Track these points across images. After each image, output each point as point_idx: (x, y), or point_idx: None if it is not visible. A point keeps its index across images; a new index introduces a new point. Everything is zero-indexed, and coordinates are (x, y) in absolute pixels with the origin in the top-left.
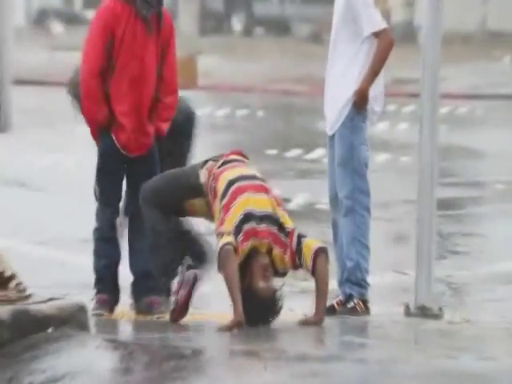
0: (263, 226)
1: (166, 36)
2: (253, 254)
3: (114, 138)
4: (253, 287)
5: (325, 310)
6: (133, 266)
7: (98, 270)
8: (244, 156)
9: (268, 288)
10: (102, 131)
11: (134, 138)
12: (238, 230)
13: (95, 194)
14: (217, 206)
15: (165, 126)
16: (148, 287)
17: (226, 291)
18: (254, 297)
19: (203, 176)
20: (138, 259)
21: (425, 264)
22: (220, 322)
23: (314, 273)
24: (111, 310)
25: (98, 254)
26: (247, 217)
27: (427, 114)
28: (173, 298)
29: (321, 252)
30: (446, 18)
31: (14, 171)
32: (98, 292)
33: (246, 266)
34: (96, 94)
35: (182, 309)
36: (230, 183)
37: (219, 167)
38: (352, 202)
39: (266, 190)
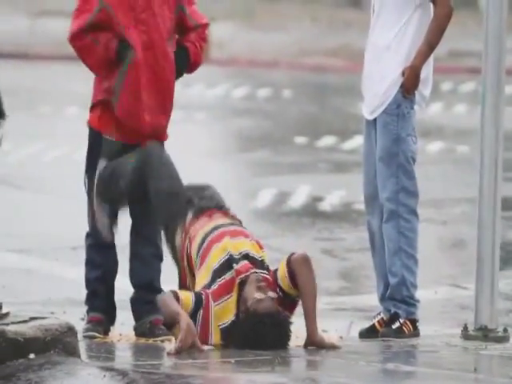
0: (243, 263)
1: None
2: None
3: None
4: (250, 302)
5: (316, 329)
6: (134, 277)
7: (90, 283)
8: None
9: (266, 298)
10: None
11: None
12: (215, 274)
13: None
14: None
15: (201, 55)
16: (151, 303)
17: None
18: (254, 313)
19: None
20: (140, 268)
21: (487, 276)
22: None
23: (297, 287)
24: (106, 331)
25: (90, 263)
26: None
27: (490, 93)
28: None
29: (294, 260)
30: None
31: None
32: (91, 310)
33: (239, 300)
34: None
35: None
36: (206, 236)
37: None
38: (396, 204)
39: (246, 235)
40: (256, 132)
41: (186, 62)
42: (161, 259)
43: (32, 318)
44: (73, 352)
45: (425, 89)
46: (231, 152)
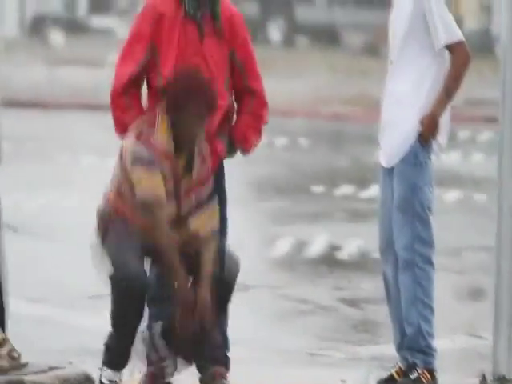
0: None
1: (231, 40)
2: None
3: None
4: None
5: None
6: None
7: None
8: None
9: None
10: None
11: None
12: None
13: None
14: None
15: (255, 140)
16: (216, 357)
17: None
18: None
19: None
20: None
21: (504, 325)
22: None
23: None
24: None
25: (149, 316)
26: None
27: (508, 142)
28: None
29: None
30: None
31: (4, 213)
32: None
33: None
34: (120, 107)
35: None
36: None
37: None
38: (411, 254)
39: None
40: (273, 180)
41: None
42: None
43: (50, 368)
44: None
45: (441, 138)
46: (249, 200)
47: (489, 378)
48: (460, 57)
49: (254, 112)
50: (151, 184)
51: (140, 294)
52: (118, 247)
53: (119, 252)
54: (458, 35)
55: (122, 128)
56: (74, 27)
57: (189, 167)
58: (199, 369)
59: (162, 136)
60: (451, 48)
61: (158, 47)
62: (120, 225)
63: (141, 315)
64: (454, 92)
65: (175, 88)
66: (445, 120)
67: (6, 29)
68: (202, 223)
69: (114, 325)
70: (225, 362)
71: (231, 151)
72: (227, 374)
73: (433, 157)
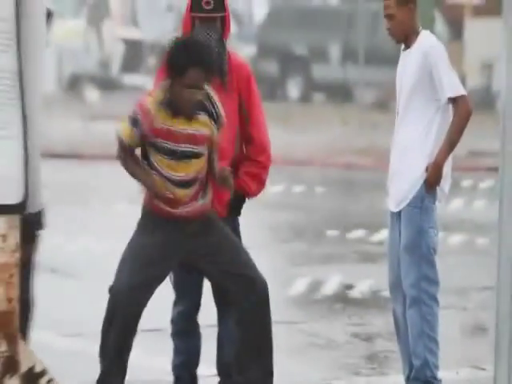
0: None
1: (239, 91)
2: None
3: None
4: None
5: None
6: (219, 361)
7: (174, 368)
8: None
9: None
10: None
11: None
12: None
13: (171, 281)
14: None
15: (253, 185)
16: None
17: None
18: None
19: None
20: (224, 352)
21: (504, 358)
22: None
23: None
24: None
25: (174, 350)
26: None
27: (508, 190)
28: None
29: None
30: None
31: (44, 255)
32: None
33: None
34: None
35: None
36: None
37: None
38: (418, 291)
39: None
40: (291, 225)
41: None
42: None
43: None
44: None
45: (445, 185)
46: (268, 243)
47: None
48: (462, 110)
49: (251, 158)
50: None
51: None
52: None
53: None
54: (461, 90)
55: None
56: (107, 84)
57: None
58: None
59: (150, 99)
60: (455, 101)
61: None
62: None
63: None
64: (457, 142)
65: (174, 52)
66: (448, 169)
67: (45, 85)
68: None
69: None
70: None
71: (236, 199)
72: None
73: (438, 203)
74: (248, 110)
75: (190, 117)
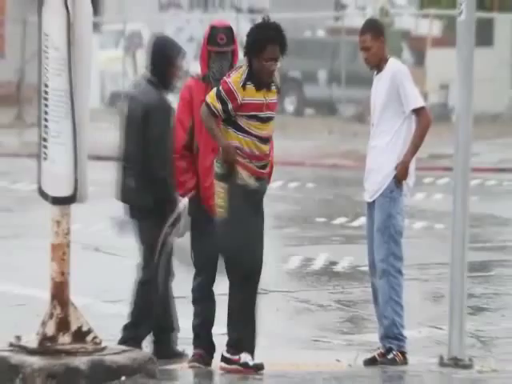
0: None
1: None
2: None
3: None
4: None
5: None
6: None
7: (194, 328)
8: None
9: None
10: (192, 203)
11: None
12: None
13: (192, 258)
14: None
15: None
16: None
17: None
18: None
19: None
20: None
21: (457, 320)
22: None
23: None
24: (206, 363)
25: (194, 313)
26: None
27: (459, 185)
28: None
29: None
30: (477, 100)
31: (90, 237)
32: (195, 347)
33: None
34: (179, 169)
35: None
36: None
37: None
38: (387, 265)
39: None
40: (287, 214)
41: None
42: None
43: (123, 351)
44: (153, 376)
45: (410, 181)
46: (268, 228)
47: (445, 358)
48: (424, 120)
49: None
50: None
51: None
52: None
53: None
54: (421, 103)
55: (181, 188)
56: None
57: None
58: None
59: (233, 78)
60: (417, 112)
61: (194, 118)
62: None
63: None
64: (420, 146)
65: (254, 33)
66: (413, 169)
67: (91, 102)
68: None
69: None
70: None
71: None
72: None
73: (404, 195)
74: None
75: (268, 87)
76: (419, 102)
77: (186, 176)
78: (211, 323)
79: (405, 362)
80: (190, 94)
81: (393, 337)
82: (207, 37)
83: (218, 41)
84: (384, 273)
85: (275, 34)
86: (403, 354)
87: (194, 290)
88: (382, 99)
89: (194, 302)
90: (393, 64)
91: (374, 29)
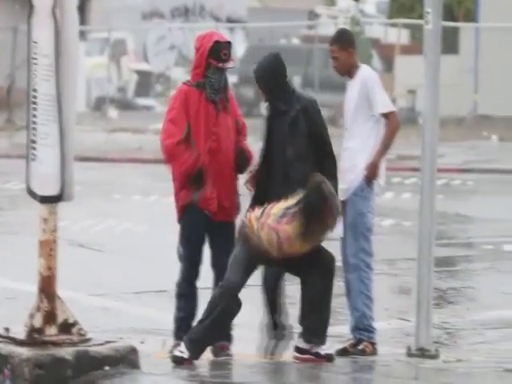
0: None
1: (235, 113)
2: None
3: (200, 206)
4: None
5: None
6: None
7: (176, 321)
8: None
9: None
10: (187, 200)
11: (218, 204)
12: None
13: (178, 253)
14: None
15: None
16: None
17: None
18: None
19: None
20: None
21: (424, 312)
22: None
23: None
24: None
25: (177, 306)
26: None
27: (426, 185)
28: None
29: None
30: (442, 105)
31: (76, 234)
32: (177, 339)
33: None
34: (180, 153)
35: None
36: None
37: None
38: (357, 260)
39: None
40: None
41: (246, 161)
42: None
43: (107, 342)
44: (135, 366)
45: (380, 179)
46: None
47: (413, 348)
48: (392, 123)
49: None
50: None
51: None
52: None
53: None
54: (390, 107)
55: (186, 166)
56: (124, 105)
57: None
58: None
59: (290, 229)
60: (386, 116)
61: (190, 122)
62: None
63: None
64: (389, 147)
65: (312, 208)
66: (383, 169)
67: (78, 106)
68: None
69: None
70: (228, 338)
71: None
72: (230, 347)
73: (375, 194)
74: (242, 126)
75: None
76: (388, 107)
77: (187, 153)
78: (193, 317)
79: (374, 352)
80: (186, 97)
81: (363, 328)
82: (209, 50)
83: (221, 56)
84: (355, 267)
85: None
86: (373, 344)
87: (178, 285)
88: (354, 104)
89: (178, 296)
90: (363, 71)
91: (341, 40)
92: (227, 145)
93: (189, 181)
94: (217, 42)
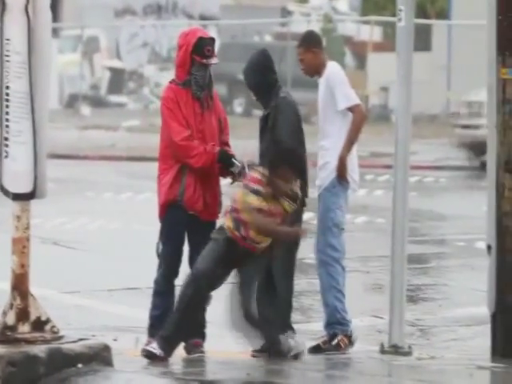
0: None
1: (218, 111)
2: None
3: (184, 204)
4: None
5: None
6: None
7: (151, 318)
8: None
9: None
10: (171, 198)
11: (203, 202)
12: None
13: (157, 250)
14: None
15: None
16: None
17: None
18: None
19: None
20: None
21: (397, 309)
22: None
23: None
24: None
25: (153, 304)
26: None
27: (399, 182)
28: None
29: None
30: (415, 102)
31: (49, 231)
32: (150, 336)
33: None
34: (196, 147)
35: None
36: None
37: None
38: (325, 255)
39: None
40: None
41: (228, 162)
42: None
43: (80, 339)
44: (108, 363)
45: (354, 175)
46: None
47: (386, 346)
48: (357, 116)
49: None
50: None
51: None
52: None
53: None
54: (354, 100)
55: (201, 157)
56: (97, 102)
57: None
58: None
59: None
60: (351, 110)
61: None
62: None
63: None
64: (355, 140)
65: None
66: (355, 164)
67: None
68: None
69: None
70: (202, 335)
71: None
72: (203, 344)
73: (352, 189)
74: (225, 123)
75: None
76: (350, 101)
77: (198, 145)
78: (168, 315)
79: (351, 344)
80: (176, 96)
81: (336, 322)
82: (193, 46)
83: (205, 52)
84: (323, 263)
85: None
86: (348, 337)
87: (156, 282)
88: (323, 101)
89: (155, 293)
90: (329, 68)
91: (305, 42)
92: (212, 142)
93: (219, 166)
94: (200, 38)
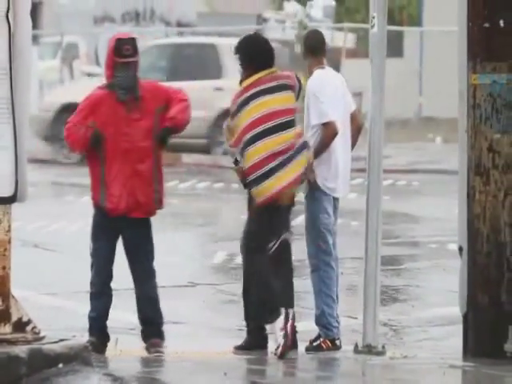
0: None
1: (151, 109)
2: None
3: (107, 208)
4: None
5: None
6: (140, 314)
7: (89, 319)
8: None
9: None
10: (95, 200)
11: (133, 200)
12: None
13: (90, 250)
14: None
15: (178, 113)
16: (154, 332)
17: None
18: None
19: None
20: (142, 307)
21: (371, 310)
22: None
23: None
24: (99, 351)
25: (91, 305)
26: None
27: (373, 185)
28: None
29: None
30: (388, 107)
31: (28, 234)
32: (90, 335)
33: None
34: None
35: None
36: None
37: None
38: (317, 260)
39: None
40: (214, 212)
41: (167, 139)
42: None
43: (60, 340)
44: (88, 363)
45: (329, 183)
46: (195, 226)
47: (360, 345)
48: (327, 132)
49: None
50: None
51: None
52: None
53: None
54: (325, 118)
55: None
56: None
57: None
58: (143, 339)
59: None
60: (323, 125)
61: (99, 125)
62: None
63: None
64: (320, 153)
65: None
66: (332, 174)
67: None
68: None
69: None
70: (160, 335)
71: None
72: (162, 344)
73: (330, 193)
74: (169, 102)
75: None
76: (322, 118)
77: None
78: (106, 317)
79: (333, 347)
80: (96, 101)
81: (322, 325)
82: (113, 48)
83: (124, 51)
84: (314, 267)
85: None
86: (332, 341)
87: (91, 283)
88: (305, 112)
89: (91, 294)
90: (312, 77)
91: (303, 46)
92: (141, 143)
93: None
94: (118, 39)
